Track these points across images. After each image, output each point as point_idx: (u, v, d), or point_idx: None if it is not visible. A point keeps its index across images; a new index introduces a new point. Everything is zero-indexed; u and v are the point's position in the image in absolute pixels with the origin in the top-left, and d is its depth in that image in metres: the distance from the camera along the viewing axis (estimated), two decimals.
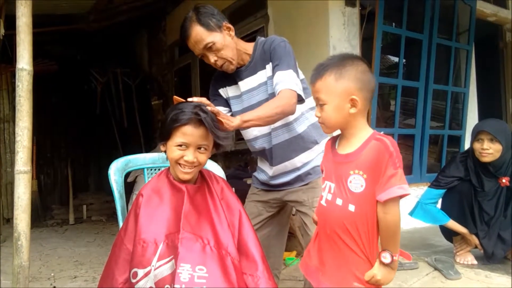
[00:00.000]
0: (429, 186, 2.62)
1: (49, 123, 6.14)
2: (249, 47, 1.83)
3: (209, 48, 1.70)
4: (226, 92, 1.90)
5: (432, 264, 2.49)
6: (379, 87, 3.60)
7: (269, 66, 1.75)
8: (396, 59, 4.44)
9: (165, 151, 1.39)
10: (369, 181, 1.16)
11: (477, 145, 2.37)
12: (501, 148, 2.31)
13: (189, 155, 1.32)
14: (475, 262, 2.46)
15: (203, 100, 1.40)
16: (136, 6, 5.26)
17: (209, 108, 1.38)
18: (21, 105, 1.66)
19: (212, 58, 1.73)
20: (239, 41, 1.82)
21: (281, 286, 2.49)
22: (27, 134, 1.70)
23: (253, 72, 1.80)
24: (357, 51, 3.52)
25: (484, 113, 4.68)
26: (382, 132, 1.21)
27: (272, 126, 1.77)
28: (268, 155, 1.83)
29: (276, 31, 3.97)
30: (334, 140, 1.31)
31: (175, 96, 1.42)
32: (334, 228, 1.22)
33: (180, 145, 1.32)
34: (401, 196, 1.14)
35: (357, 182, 1.17)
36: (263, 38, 1.82)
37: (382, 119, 4.62)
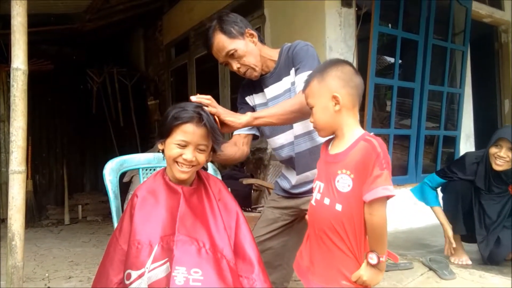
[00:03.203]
0: (435, 172, 2.67)
1: (44, 123, 6.10)
2: (274, 53, 1.81)
3: (231, 55, 1.70)
4: (253, 100, 1.89)
5: (427, 264, 2.50)
6: (375, 88, 3.60)
7: (292, 72, 1.73)
8: (392, 60, 4.45)
9: (162, 150, 1.38)
10: (356, 181, 1.17)
11: (494, 150, 2.34)
12: None
13: (188, 154, 1.31)
14: (470, 262, 2.48)
15: (203, 100, 1.40)
16: (132, 5, 5.25)
17: (208, 108, 1.38)
18: (15, 105, 1.65)
19: (235, 65, 1.72)
20: (264, 47, 1.80)
21: None
22: (21, 134, 1.69)
23: (278, 78, 1.78)
24: (353, 51, 3.53)
25: (479, 114, 4.70)
26: (372, 134, 1.23)
27: (295, 133, 1.76)
28: (293, 163, 1.80)
29: (273, 32, 3.97)
30: (329, 141, 1.34)
31: (191, 97, 1.41)
32: (323, 227, 1.23)
33: (180, 143, 1.31)
34: (387, 198, 1.15)
35: (344, 182, 1.19)
36: (288, 44, 1.79)
37: (378, 120, 4.64)
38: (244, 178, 3.48)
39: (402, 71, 4.30)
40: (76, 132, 6.30)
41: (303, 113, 1.53)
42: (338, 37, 3.47)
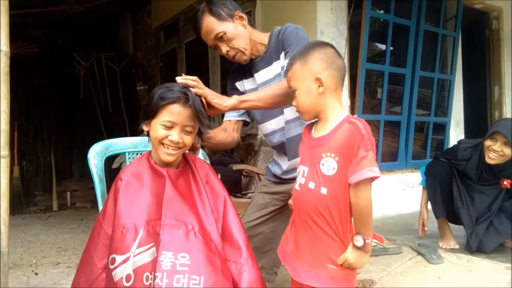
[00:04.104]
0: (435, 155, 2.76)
1: (31, 108, 5.98)
2: (264, 37, 1.78)
3: (220, 38, 1.66)
4: (243, 85, 1.86)
5: (415, 249, 2.52)
6: (366, 75, 3.58)
7: (282, 56, 1.70)
8: (383, 47, 4.44)
9: (147, 132, 1.35)
10: (341, 163, 1.16)
11: (489, 143, 2.31)
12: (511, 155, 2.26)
13: (175, 135, 1.28)
14: (457, 246, 2.51)
15: (189, 81, 1.36)
16: None
17: (194, 90, 1.35)
18: None
19: (224, 49, 1.69)
20: (254, 31, 1.77)
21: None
22: (4, 117, 1.63)
23: (269, 63, 1.75)
24: (344, 36, 3.49)
25: (469, 100, 4.72)
26: (355, 116, 1.22)
27: (286, 118, 1.74)
28: (285, 149, 1.79)
29: (263, 16, 3.91)
30: (311, 125, 1.32)
31: (177, 78, 1.38)
32: (308, 211, 1.22)
33: (166, 124, 1.28)
34: (372, 179, 1.14)
35: (329, 165, 1.18)
36: (278, 27, 1.76)
37: (368, 107, 4.63)
38: (234, 164, 3.46)
39: (393, 58, 4.27)
40: (64, 118, 6.19)
41: (290, 97, 1.50)
42: (329, 22, 3.42)
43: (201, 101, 1.38)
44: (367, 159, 1.13)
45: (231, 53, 1.70)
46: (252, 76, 1.81)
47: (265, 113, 1.81)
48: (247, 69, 1.81)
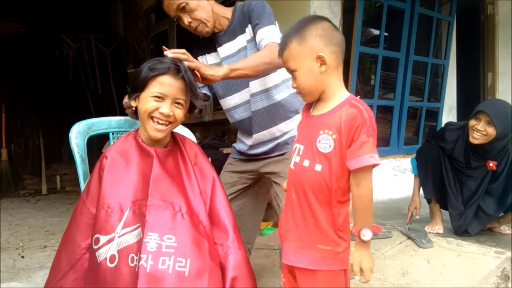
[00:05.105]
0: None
1: (19, 90, 5.84)
2: (227, 11, 1.77)
3: (182, 8, 1.64)
4: (206, 60, 1.85)
5: (405, 233, 2.51)
6: (359, 60, 3.52)
7: (248, 29, 1.69)
8: (377, 32, 4.38)
9: (135, 108, 1.29)
10: (338, 142, 1.12)
11: (473, 122, 2.30)
12: (495, 134, 2.23)
13: (165, 107, 1.24)
14: (441, 231, 2.51)
15: (179, 55, 1.34)
16: None
17: (187, 63, 1.32)
18: None
19: (186, 20, 1.67)
20: (216, 4, 1.76)
21: (256, 255, 2.48)
22: None
23: (232, 37, 1.74)
24: (338, 18, 3.43)
25: (462, 86, 4.70)
26: (358, 97, 1.17)
27: (252, 91, 1.73)
28: (248, 123, 1.79)
29: None
30: (309, 104, 1.27)
31: (166, 52, 1.34)
32: (301, 190, 1.18)
33: (157, 96, 1.23)
34: (373, 166, 1.10)
35: (325, 142, 1.14)
36: (241, 2, 1.75)
37: (362, 93, 4.59)
38: (225, 148, 3.42)
39: (387, 42, 4.22)
40: (53, 100, 6.07)
41: (275, 65, 1.52)
42: (323, 3, 3.35)
43: (194, 73, 1.34)
44: (368, 145, 1.09)
45: (193, 25, 1.69)
46: (215, 50, 1.80)
47: (227, 88, 1.80)
48: (210, 43, 1.80)
